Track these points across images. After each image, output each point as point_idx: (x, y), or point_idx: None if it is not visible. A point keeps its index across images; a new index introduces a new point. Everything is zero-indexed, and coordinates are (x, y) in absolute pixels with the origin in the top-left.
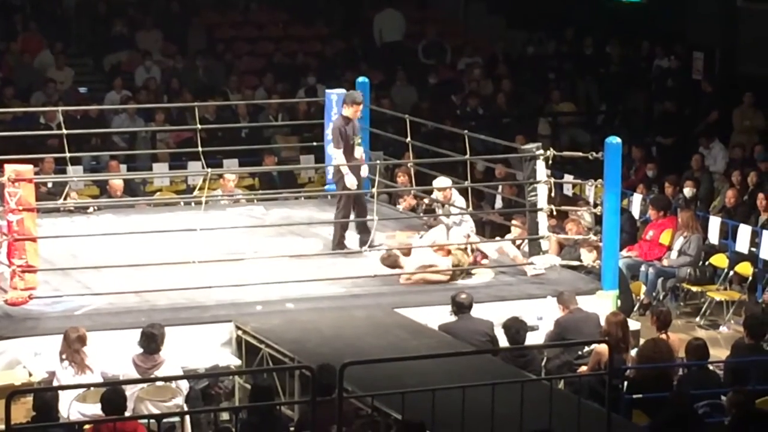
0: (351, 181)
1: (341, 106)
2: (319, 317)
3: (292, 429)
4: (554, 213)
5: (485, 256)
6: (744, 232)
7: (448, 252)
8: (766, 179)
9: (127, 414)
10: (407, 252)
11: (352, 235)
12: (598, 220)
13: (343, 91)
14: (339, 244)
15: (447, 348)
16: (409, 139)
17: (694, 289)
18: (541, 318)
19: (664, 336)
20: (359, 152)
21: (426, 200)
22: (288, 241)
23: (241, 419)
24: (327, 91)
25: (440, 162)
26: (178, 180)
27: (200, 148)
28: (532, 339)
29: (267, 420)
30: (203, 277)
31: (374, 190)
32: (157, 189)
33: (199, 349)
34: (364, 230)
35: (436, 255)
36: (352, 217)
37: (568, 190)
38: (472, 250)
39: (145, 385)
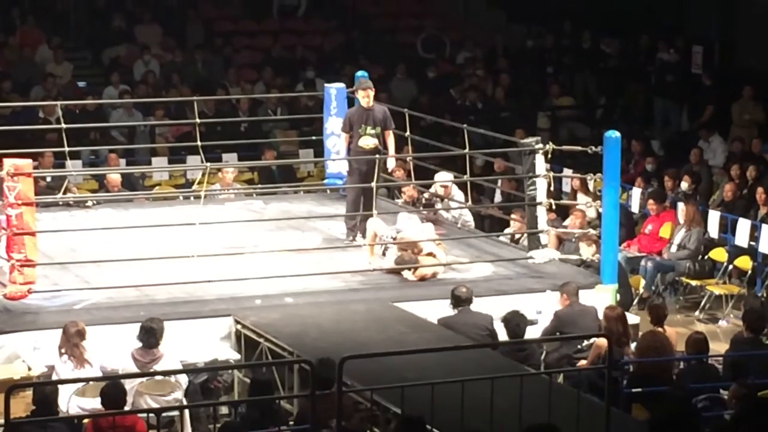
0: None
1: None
2: (318, 311)
3: (291, 423)
4: (553, 207)
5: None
6: (743, 226)
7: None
8: (765, 173)
9: (127, 408)
10: (419, 250)
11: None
12: (597, 213)
13: (342, 85)
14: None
15: (446, 342)
16: (408, 132)
17: (694, 283)
18: (541, 312)
19: (660, 329)
20: (363, 141)
21: (426, 194)
22: (287, 235)
23: (241, 413)
24: (326, 85)
25: (439, 156)
26: (177, 174)
27: (199, 143)
28: (532, 333)
29: (266, 414)
30: (202, 271)
31: (374, 184)
32: (156, 183)
33: (199, 344)
34: (357, 223)
35: (437, 248)
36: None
37: (567, 185)
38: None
39: (144, 379)
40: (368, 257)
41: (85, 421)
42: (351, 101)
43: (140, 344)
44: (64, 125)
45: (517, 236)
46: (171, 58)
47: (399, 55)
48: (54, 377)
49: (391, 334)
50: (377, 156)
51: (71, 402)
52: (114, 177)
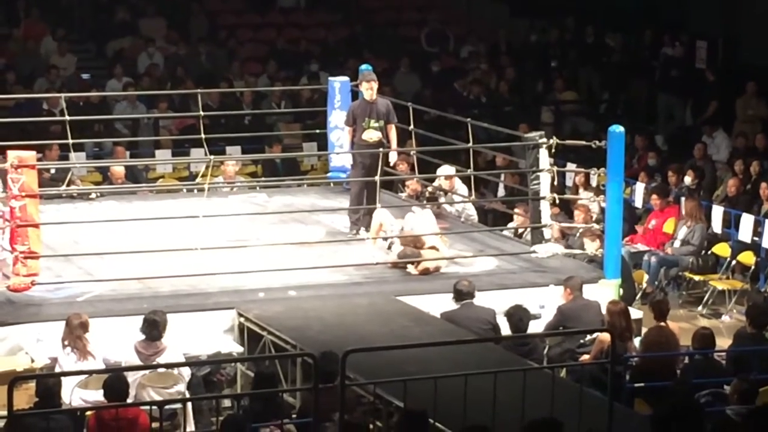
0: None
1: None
2: (321, 305)
3: (294, 416)
4: (557, 201)
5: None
6: (746, 221)
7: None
8: None
9: (129, 400)
10: (421, 244)
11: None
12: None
13: (346, 78)
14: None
15: (449, 336)
16: (411, 126)
17: (697, 278)
18: (544, 306)
19: (664, 324)
20: (367, 135)
21: (429, 188)
22: (290, 229)
23: (243, 406)
24: (330, 78)
25: (443, 150)
26: (180, 167)
27: (203, 135)
28: (535, 327)
29: (269, 407)
30: (206, 264)
31: (377, 177)
32: (159, 176)
33: (202, 336)
34: (360, 217)
35: (440, 241)
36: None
37: (570, 179)
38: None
39: (147, 371)
40: (371, 247)
41: (88, 413)
42: (355, 94)
43: (143, 337)
44: (67, 117)
45: (520, 230)
46: (175, 50)
47: (403, 48)
48: (57, 369)
49: (394, 327)
50: (381, 149)
51: (74, 394)
52: (117, 169)
